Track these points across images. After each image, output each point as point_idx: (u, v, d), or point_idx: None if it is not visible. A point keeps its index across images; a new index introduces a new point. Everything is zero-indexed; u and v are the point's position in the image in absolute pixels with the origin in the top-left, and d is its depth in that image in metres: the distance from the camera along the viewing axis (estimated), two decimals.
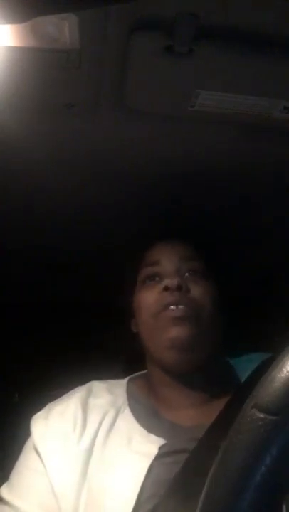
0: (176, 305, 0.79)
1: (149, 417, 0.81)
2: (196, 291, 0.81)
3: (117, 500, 0.70)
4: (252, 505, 0.36)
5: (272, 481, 0.36)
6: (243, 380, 0.84)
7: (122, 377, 0.92)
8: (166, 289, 0.80)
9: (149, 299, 0.83)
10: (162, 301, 0.80)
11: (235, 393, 0.80)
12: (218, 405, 0.78)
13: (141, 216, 0.93)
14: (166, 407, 0.82)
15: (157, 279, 0.84)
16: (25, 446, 0.82)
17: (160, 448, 0.74)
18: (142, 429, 0.79)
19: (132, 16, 0.58)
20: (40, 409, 0.87)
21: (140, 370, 0.92)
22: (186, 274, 0.83)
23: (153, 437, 0.77)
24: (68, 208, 0.91)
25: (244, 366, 0.86)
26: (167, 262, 0.84)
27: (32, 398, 0.95)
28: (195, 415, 0.79)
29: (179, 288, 0.80)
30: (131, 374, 0.93)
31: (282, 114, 0.69)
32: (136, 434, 0.78)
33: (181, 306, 0.79)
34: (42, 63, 0.60)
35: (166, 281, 0.81)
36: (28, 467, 0.80)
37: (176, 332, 0.78)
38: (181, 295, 0.79)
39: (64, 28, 0.56)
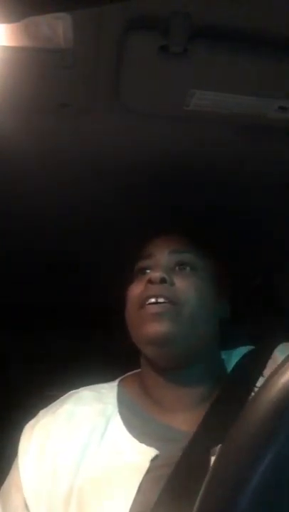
0: (157, 298, 0.78)
1: (142, 422, 0.80)
2: (182, 284, 0.80)
3: None
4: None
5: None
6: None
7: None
8: (149, 281, 0.79)
9: (135, 291, 0.82)
10: (145, 293, 0.79)
11: (217, 396, 0.80)
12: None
13: (138, 215, 0.93)
14: (160, 410, 0.81)
15: (148, 271, 0.83)
16: (15, 459, 0.82)
17: (152, 461, 0.73)
18: (133, 439, 0.77)
19: (127, 16, 0.58)
20: (38, 410, 0.87)
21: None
22: (176, 268, 0.82)
23: (144, 448, 0.75)
24: (63, 208, 0.91)
25: (233, 360, 0.86)
26: (158, 254, 0.84)
27: (31, 398, 0.95)
28: (191, 418, 0.78)
29: (162, 280, 0.79)
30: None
31: (277, 113, 0.69)
32: (127, 445, 0.76)
33: (161, 299, 0.77)
34: (36, 63, 0.60)
35: (151, 274, 0.80)
36: (12, 483, 0.80)
37: (153, 328, 0.77)
38: (164, 288, 0.78)
39: (58, 27, 0.56)
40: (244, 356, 0.87)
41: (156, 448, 0.75)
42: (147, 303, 0.78)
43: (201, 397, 0.81)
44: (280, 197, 0.91)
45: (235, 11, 0.58)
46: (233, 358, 0.87)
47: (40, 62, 0.60)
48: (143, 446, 0.76)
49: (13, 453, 0.82)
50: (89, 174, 0.85)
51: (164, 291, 0.78)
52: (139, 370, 0.89)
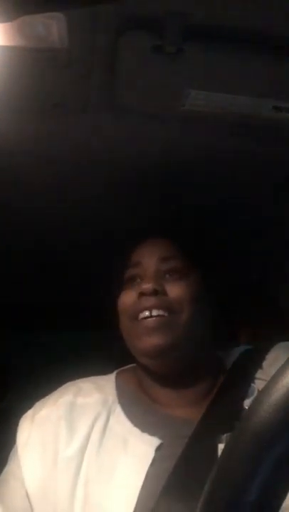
0: (151, 310, 0.78)
1: (143, 413, 0.81)
2: (174, 292, 0.80)
3: (117, 504, 0.71)
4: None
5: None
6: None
7: None
8: (141, 294, 0.79)
9: (127, 302, 0.82)
10: (138, 305, 0.79)
11: (218, 390, 0.81)
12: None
13: (133, 214, 0.93)
14: (159, 404, 0.82)
15: (138, 280, 0.83)
16: (12, 450, 0.82)
17: (156, 450, 0.74)
18: (135, 428, 0.78)
19: (121, 16, 0.58)
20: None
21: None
22: (167, 276, 0.82)
23: (147, 437, 0.76)
24: (62, 208, 0.92)
25: (230, 358, 0.87)
26: (147, 263, 0.83)
27: (31, 398, 0.95)
28: (192, 411, 0.79)
29: (154, 293, 0.79)
30: None
31: (271, 113, 0.69)
32: (130, 435, 0.77)
33: (155, 312, 0.77)
34: (30, 62, 0.60)
35: (143, 286, 0.80)
36: (10, 473, 0.80)
37: (149, 342, 0.77)
38: (157, 299, 0.78)
39: (52, 27, 0.56)
40: (242, 353, 0.87)
41: (160, 437, 0.75)
42: (141, 316, 0.78)
43: (200, 395, 0.81)
44: (278, 197, 0.91)
45: (229, 10, 0.58)
46: (231, 356, 0.88)
47: (34, 62, 0.60)
48: (146, 435, 0.76)
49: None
50: (87, 174, 0.85)
51: (157, 303, 0.78)
52: (134, 364, 0.88)
